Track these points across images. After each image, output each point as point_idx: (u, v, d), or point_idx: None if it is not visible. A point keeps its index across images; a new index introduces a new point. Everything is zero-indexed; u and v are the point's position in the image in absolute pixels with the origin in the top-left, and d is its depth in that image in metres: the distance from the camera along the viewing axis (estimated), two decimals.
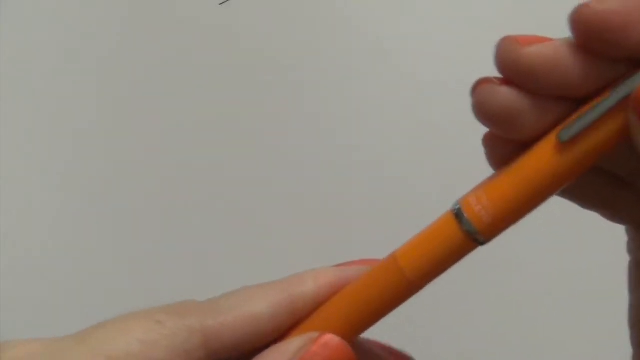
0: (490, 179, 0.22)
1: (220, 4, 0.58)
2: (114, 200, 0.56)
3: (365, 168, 0.56)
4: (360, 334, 0.23)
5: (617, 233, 0.25)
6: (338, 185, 0.56)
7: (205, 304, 0.22)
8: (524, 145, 0.21)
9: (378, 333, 0.23)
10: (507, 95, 0.20)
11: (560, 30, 0.21)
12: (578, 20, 0.19)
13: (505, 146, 0.21)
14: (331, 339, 0.22)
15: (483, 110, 0.20)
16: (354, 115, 0.57)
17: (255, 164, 0.57)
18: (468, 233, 0.22)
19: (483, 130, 0.21)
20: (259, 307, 0.22)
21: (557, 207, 0.24)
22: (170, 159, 0.57)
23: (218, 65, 0.58)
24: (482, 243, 0.22)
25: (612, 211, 0.24)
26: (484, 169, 0.22)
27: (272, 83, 0.58)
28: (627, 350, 0.24)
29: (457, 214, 0.22)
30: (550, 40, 0.20)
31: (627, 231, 0.24)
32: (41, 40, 0.58)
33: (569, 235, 0.53)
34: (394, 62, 0.58)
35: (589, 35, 0.19)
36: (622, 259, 0.24)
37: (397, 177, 0.56)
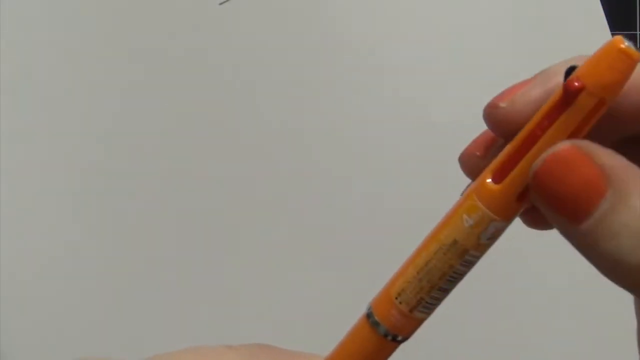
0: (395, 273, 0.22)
1: (220, 4, 0.58)
2: (114, 201, 0.56)
3: (365, 173, 0.56)
4: None
5: None
6: (338, 189, 0.56)
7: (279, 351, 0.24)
8: None
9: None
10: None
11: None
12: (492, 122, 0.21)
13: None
14: None
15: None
16: (356, 115, 0.57)
17: (257, 164, 0.57)
18: (384, 335, 0.22)
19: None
20: None
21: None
22: (170, 158, 0.57)
23: (218, 65, 0.58)
24: (401, 340, 0.22)
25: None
26: None
27: (272, 83, 0.58)
28: (630, 351, 0.24)
29: (369, 315, 0.22)
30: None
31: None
32: (41, 40, 0.58)
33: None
34: (394, 65, 0.57)
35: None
36: None
37: (397, 183, 0.56)
